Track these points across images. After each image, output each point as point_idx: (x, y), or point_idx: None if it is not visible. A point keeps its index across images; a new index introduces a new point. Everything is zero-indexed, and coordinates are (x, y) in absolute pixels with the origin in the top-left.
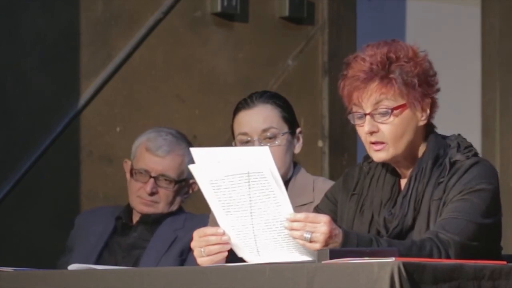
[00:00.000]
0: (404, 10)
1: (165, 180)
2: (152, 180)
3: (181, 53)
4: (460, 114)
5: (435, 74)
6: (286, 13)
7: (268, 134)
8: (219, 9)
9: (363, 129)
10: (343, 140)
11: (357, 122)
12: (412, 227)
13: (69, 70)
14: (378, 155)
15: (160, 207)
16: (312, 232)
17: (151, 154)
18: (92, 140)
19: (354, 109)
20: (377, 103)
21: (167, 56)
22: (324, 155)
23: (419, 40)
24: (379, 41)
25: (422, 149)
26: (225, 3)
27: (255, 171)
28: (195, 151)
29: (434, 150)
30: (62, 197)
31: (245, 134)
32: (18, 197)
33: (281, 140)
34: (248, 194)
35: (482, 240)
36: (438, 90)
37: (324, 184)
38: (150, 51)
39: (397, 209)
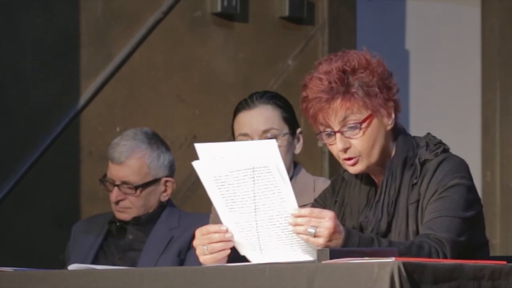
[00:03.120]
0: (404, 10)
1: (128, 187)
2: (116, 188)
3: (181, 53)
4: (460, 114)
5: (391, 75)
6: (286, 13)
7: (269, 135)
8: (219, 9)
9: (335, 147)
10: None
11: (328, 141)
12: (387, 231)
13: (69, 70)
14: (354, 169)
15: (134, 212)
16: (316, 227)
17: (111, 163)
18: (92, 140)
19: (322, 128)
20: (344, 119)
21: (167, 56)
22: (324, 155)
23: (419, 40)
24: (330, 56)
25: (392, 151)
26: (225, 3)
27: (260, 166)
28: (199, 147)
29: (402, 152)
30: (62, 197)
31: (245, 135)
32: (18, 197)
33: (281, 141)
34: (252, 190)
35: (469, 233)
36: (398, 90)
37: (324, 185)
38: (150, 51)
39: (371, 215)
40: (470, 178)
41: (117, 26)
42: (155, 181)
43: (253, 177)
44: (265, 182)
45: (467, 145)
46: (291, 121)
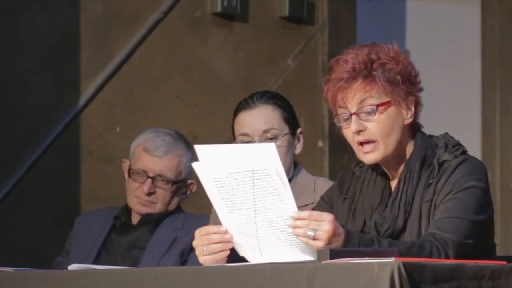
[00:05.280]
0: (404, 10)
1: (163, 180)
2: (149, 180)
3: (181, 53)
4: (460, 114)
5: (417, 75)
6: (286, 13)
7: (269, 135)
8: (219, 9)
9: (349, 130)
10: (343, 140)
11: (343, 124)
12: (403, 230)
13: (69, 70)
14: (369, 157)
15: (157, 207)
16: (316, 230)
17: (149, 155)
18: (92, 140)
19: (340, 111)
20: (362, 101)
21: (167, 56)
22: (324, 155)
23: (419, 40)
24: (360, 44)
25: (409, 148)
26: (225, 3)
27: (259, 169)
28: (199, 149)
29: (421, 150)
30: (62, 197)
31: (246, 135)
32: (18, 197)
33: (282, 141)
34: (252, 192)
35: (477, 236)
36: (421, 89)
37: (324, 185)
38: (150, 51)
39: (387, 212)
40: (486, 181)
41: (117, 26)
42: (184, 180)
43: (253, 179)
44: (264, 184)
45: (467, 145)
46: (291, 121)
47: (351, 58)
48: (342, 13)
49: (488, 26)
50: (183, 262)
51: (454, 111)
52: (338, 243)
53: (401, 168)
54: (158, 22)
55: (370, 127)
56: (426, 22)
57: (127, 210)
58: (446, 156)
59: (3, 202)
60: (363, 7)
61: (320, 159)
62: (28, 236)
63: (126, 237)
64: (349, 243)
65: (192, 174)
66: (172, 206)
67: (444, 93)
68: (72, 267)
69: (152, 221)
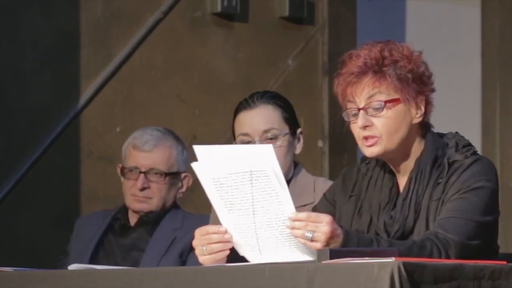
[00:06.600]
0: (404, 10)
1: (155, 173)
2: (142, 175)
3: (181, 53)
4: (460, 114)
5: (430, 75)
6: (286, 13)
7: (269, 135)
8: (219, 9)
9: (356, 125)
10: (343, 140)
11: (352, 118)
12: (413, 230)
13: (69, 70)
14: (371, 150)
15: (154, 203)
16: (313, 232)
17: (139, 150)
18: (92, 140)
19: (349, 106)
20: (370, 97)
21: (167, 56)
22: (324, 155)
23: (419, 40)
24: (375, 41)
25: (417, 147)
26: (225, 3)
27: (258, 170)
28: (198, 149)
29: (432, 150)
30: (62, 197)
31: (246, 134)
32: (18, 197)
33: (282, 141)
34: (250, 193)
35: (481, 238)
36: (433, 90)
37: (324, 185)
38: (150, 51)
39: (397, 212)
40: (495, 182)
41: (117, 26)
42: (178, 173)
43: (251, 180)
44: (262, 185)
45: None
46: (291, 121)
47: (363, 54)
48: (342, 13)
49: (488, 26)
50: (183, 262)
51: (454, 111)
52: (336, 244)
53: (409, 166)
54: (158, 22)
55: (376, 123)
56: (426, 22)
57: (125, 211)
58: (457, 156)
59: (3, 202)
60: (363, 7)
61: (320, 159)
62: (28, 236)
63: (125, 239)
64: (348, 243)
65: (186, 167)
66: (169, 201)
67: (444, 93)
68: (72, 267)
69: (150, 221)
